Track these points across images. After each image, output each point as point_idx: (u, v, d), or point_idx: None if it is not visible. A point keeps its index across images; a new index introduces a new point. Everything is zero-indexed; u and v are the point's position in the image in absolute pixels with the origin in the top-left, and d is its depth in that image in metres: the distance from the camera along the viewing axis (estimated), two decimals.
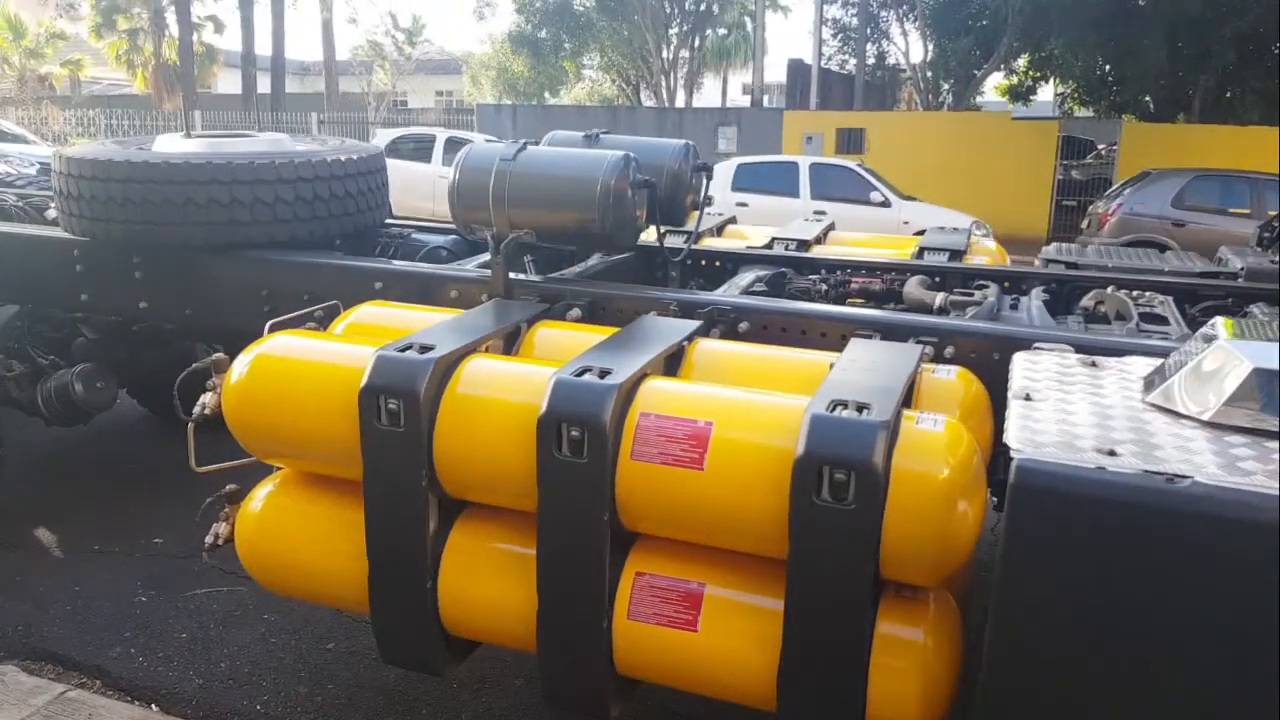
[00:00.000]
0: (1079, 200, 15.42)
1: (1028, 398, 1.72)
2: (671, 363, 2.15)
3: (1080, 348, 2.06)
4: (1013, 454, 1.46)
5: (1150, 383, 1.77)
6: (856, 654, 1.70)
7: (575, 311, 2.54)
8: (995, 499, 1.77)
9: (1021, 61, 21.26)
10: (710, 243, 3.69)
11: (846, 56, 23.78)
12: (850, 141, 16.83)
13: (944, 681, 1.76)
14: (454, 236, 3.50)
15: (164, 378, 3.31)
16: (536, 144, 2.93)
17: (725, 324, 2.46)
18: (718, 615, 1.86)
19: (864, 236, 4.20)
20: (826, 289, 3.04)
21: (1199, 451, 1.47)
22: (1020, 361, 1.97)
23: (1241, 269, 3.13)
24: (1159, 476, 1.38)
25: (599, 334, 2.25)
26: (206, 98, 26.91)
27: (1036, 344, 2.09)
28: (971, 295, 2.83)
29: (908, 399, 1.91)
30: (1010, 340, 2.19)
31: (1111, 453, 1.46)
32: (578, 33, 26.53)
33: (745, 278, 2.99)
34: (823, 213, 11.08)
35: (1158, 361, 1.87)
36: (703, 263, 3.36)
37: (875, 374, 1.88)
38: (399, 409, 1.93)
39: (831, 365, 1.98)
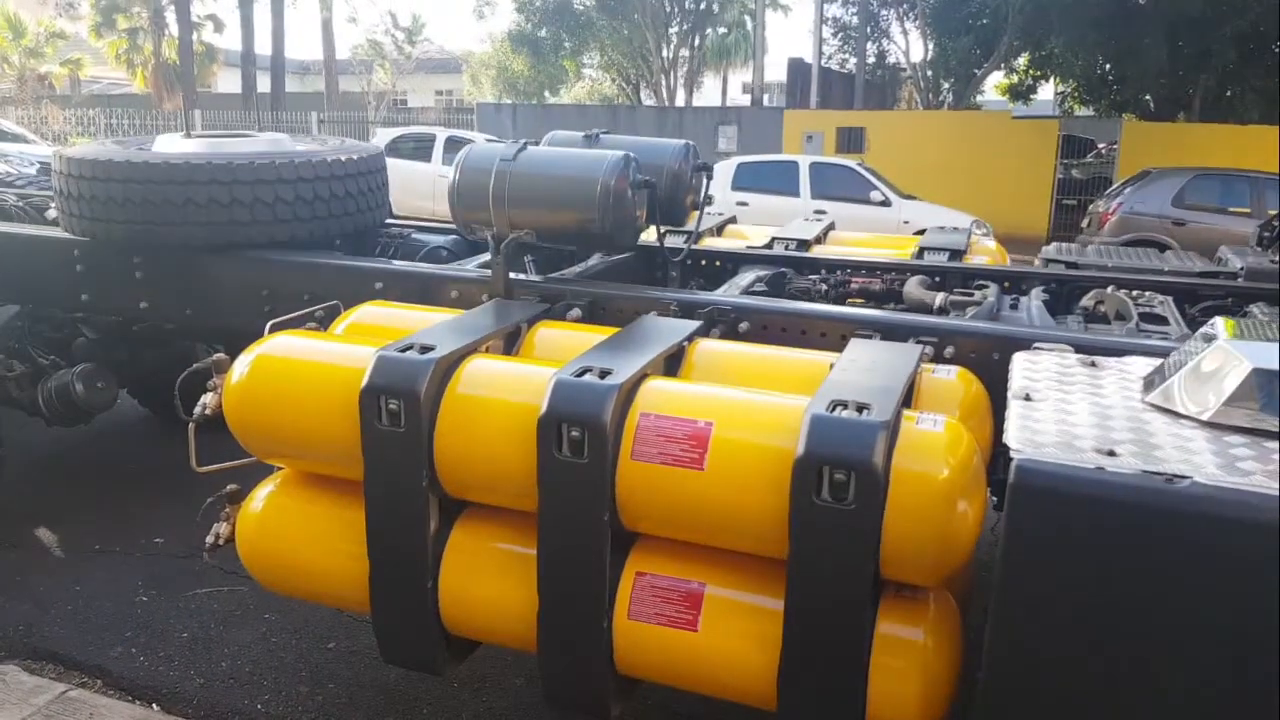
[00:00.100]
0: (1079, 199, 15.42)
1: (1027, 398, 1.72)
2: (672, 363, 2.16)
3: (1080, 348, 2.06)
4: (1012, 454, 1.46)
5: (1150, 383, 1.78)
6: (856, 654, 1.70)
7: (575, 311, 2.54)
8: (995, 498, 1.78)
9: (1022, 60, 21.25)
10: (710, 242, 3.69)
11: (847, 55, 23.77)
12: (850, 141, 16.83)
13: (944, 681, 1.76)
14: (454, 236, 3.50)
15: (164, 377, 3.31)
16: (536, 144, 2.93)
17: (725, 324, 2.46)
18: (718, 615, 1.86)
19: (864, 236, 4.20)
20: (826, 289, 3.04)
21: (1198, 451, 1.47)
22: (1020, 361, 1.97)
23: (1241, 269, 3.13)
24: (1158, 477, 1.38)
25: (599, 334, 2.25)
26: (206, 97, 26.91)
27: (1036, 344, 2.10)
28: (971, 295, 2.83)
29: (908, 399, 1.92)
30: (1010, 340, 2.19)
31: (1111, 453, 1.46)
32: (578, 32, 26.51)
33: (745, 278, 2.99)
34: (823, 212, 11.08)
35: (1157, 361, 1.87)
36: (703, 262, 3.36)
37: (875, 374, 1.89)
38: (399, 409, 1.93)
39: (831, 365, 1.99)
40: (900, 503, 1.63)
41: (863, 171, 12.23)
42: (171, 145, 3.28)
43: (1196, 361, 1.69)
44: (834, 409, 1.69)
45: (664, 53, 27.14)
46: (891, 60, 24.07)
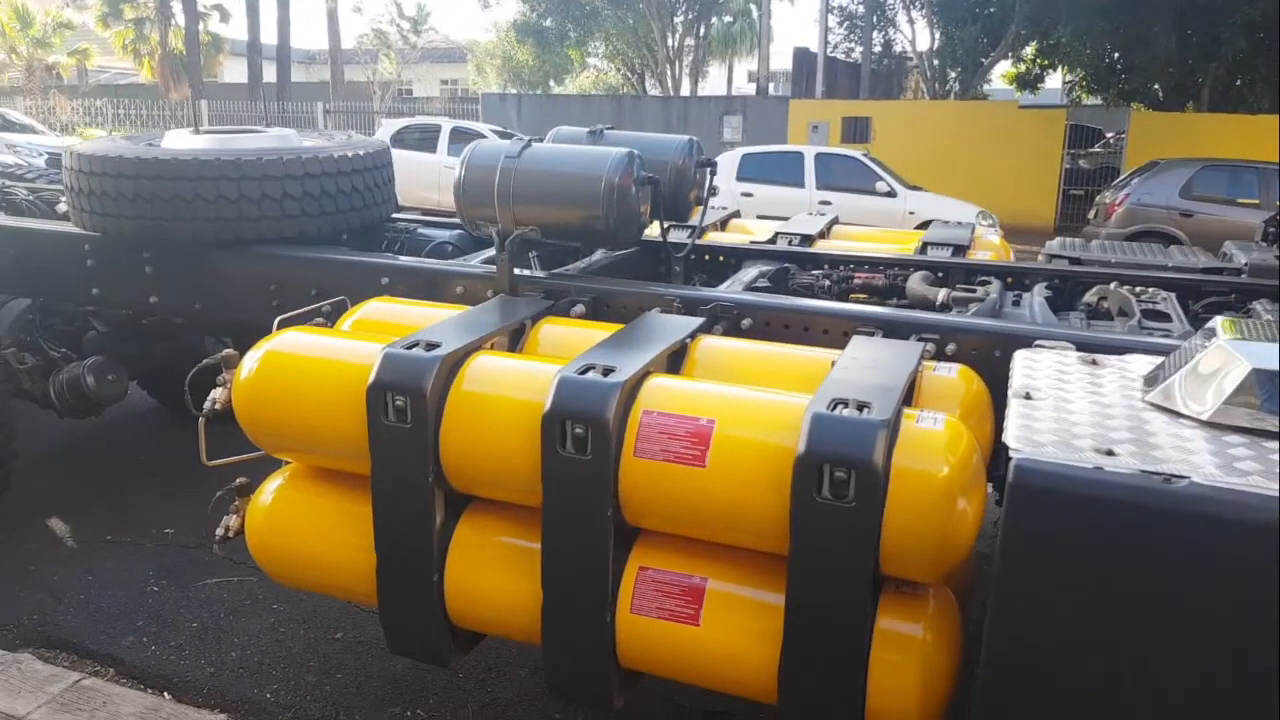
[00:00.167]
0: (1086, 190, 15.35)
1: (1028, 396, 1.73)
2: (674, 360, 2.18)
3: (1081, 345, 2.08)
4: (1011, 453, 1.48)
5: (1150, 381, 1.79)
6: (856, 648, 1.73)
7: (579, 308, 2.56)
8: (997, 495, 1.79)
9: (1029, 49, 21.10)
10: (714, 238, 3.71)
11: (853, 44, 23.63)
12: (856, 131, 16.76)
13: (943, 676, 1.78)
14: (460, 231, 3.52)
15: (174, 370, 3.36)
16: (541, 141, 2.94)
17: (728, 320, 2.48)
18: (720, 610, 1.88)
19: (868, 231, 4.20)
20: (830, 284, 3.05)
21: (1197, 451, 1.48)
22: (1021, 359, 1.98)
23: (1245, 265, 3.12)
24: (1156, 476, 1.39)
25: (603, 330, 2.27)
26: (212, 87, 26.92)
27: (1037, 341, 2.11)
28: (974, 291, 2.84)
29: (909, 397, 1.94)
30: (1011, 338, 2.21)
31: (1110, 452, 1.47)
32: (583, 21, 26.41)
33: (749, 273, 3.01)
34: (828, 203, 11.13)
35: (1158, 360, 1.88)
36: (706, 258, 3.38)
37: (876, 372, 1.90)
38: (406, 405, 1.95)
39: (833, 362, 2.00)
40: (900, 500, 1.65)
41: (868, 162, 12.19)
42: (181, 141, 3.30)
43: (1196, 361, 1.70)
44: (835, 407, 1.71)
45: (669, 42, 27.02)
46: (898, 49, 23.92)
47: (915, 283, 2.93)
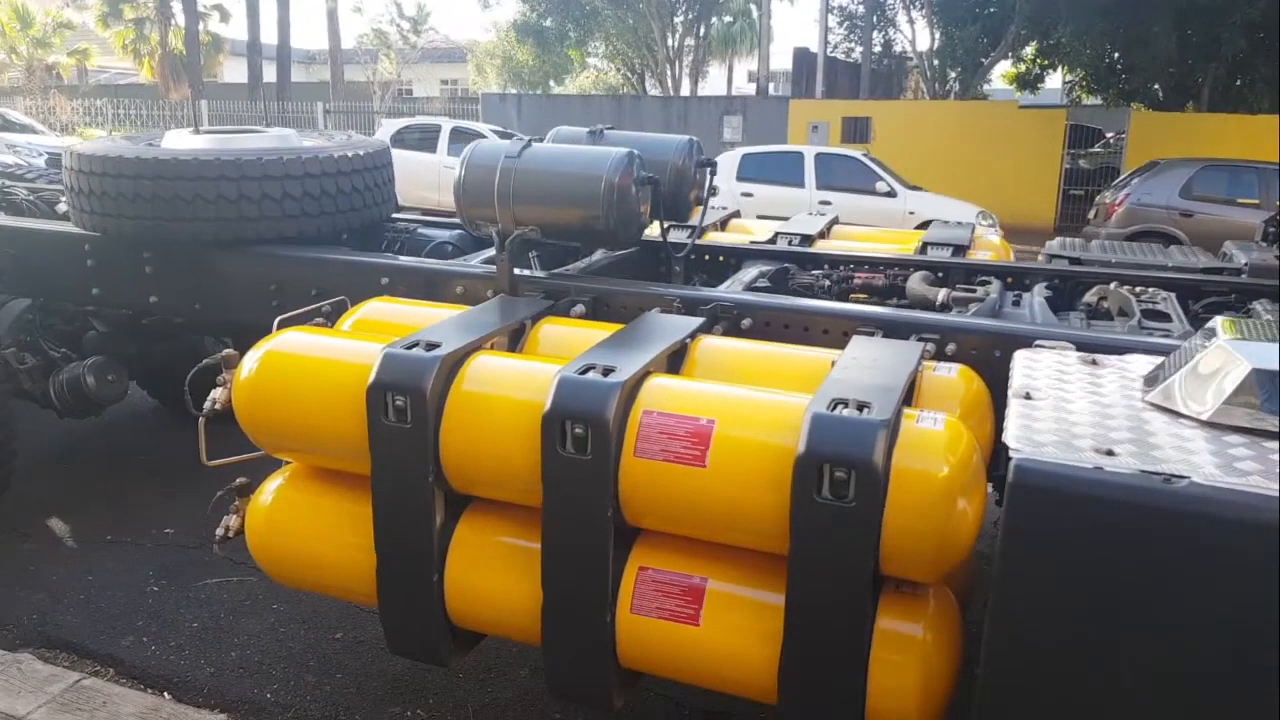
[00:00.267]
0: (1086, 190, 15.35)
1: (1028, 396, 1.73)
2: (674, 360, 2.18)
3: (1081, 345, 2.08)
4: (1011, 453, 1.48)
5: (1151, 381, 1.79)
6: (856, 649, 1.73)
7: (579, 308, 2.56)
8: (997, 495, 1.79)
9: (1029, 49, 21.10)
10: (714, 237, 3.71)
11: (853, 44, 23.63)
12: (856, 131, 16.77)
13: (943, 676, 1.78)
14: (459, 231, 3.52)
15: (174, 370, 3.36)
16: (541, 141, 2.94)
17: (728, 320, 2.48)
18: (720, 610, 1.88)
19: (868, 231, 4.21)
20: (830, 284, 3.05)
21: (1197, 451, 1.48)
22: (1021, 359, 1.98)
23: (1245, 265, 3.13)
24: (1156, 476, 1.39)
25: (603, 330, 2.27)
26: (213, 87, 26.94)
27: (1037, 341, 2.11)
28: (974, 291, 2.84)
29: (909, 397, 1.94)
30: (1011, 337, 2.21)
31: (1110, 452, 1.47)
32: (583, 21, 26.42)
33: (749, 273, 3.01)
34: (828, 203, 11.13)
35: (1158, 360, 1.88)
36: (706, 258, 3.38)
37: (876, 372, 1.90)
38: (406, 405, 1.96)
39: (833, 363, 2.00)
40: (900, 500, 1.65)
41: (868, 162, 12.20)
42: (181, 141, 3.30)
43: (1196, 361, 1.70)
44: (834, 407, 1.71)
45: (669, 42, 27.02)
46: (898, 49, 23.92)
47: (915, 283, 2.93)
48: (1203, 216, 10.82)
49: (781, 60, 29.74)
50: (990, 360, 2.21)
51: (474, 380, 2.02)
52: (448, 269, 2.92)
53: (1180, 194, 11.15)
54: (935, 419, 1.76)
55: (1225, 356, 1.66)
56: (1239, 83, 17.81)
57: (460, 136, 13.56)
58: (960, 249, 3.35)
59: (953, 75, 21.94)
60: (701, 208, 3.25)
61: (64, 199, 3.51)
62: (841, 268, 3.17)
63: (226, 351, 2.32)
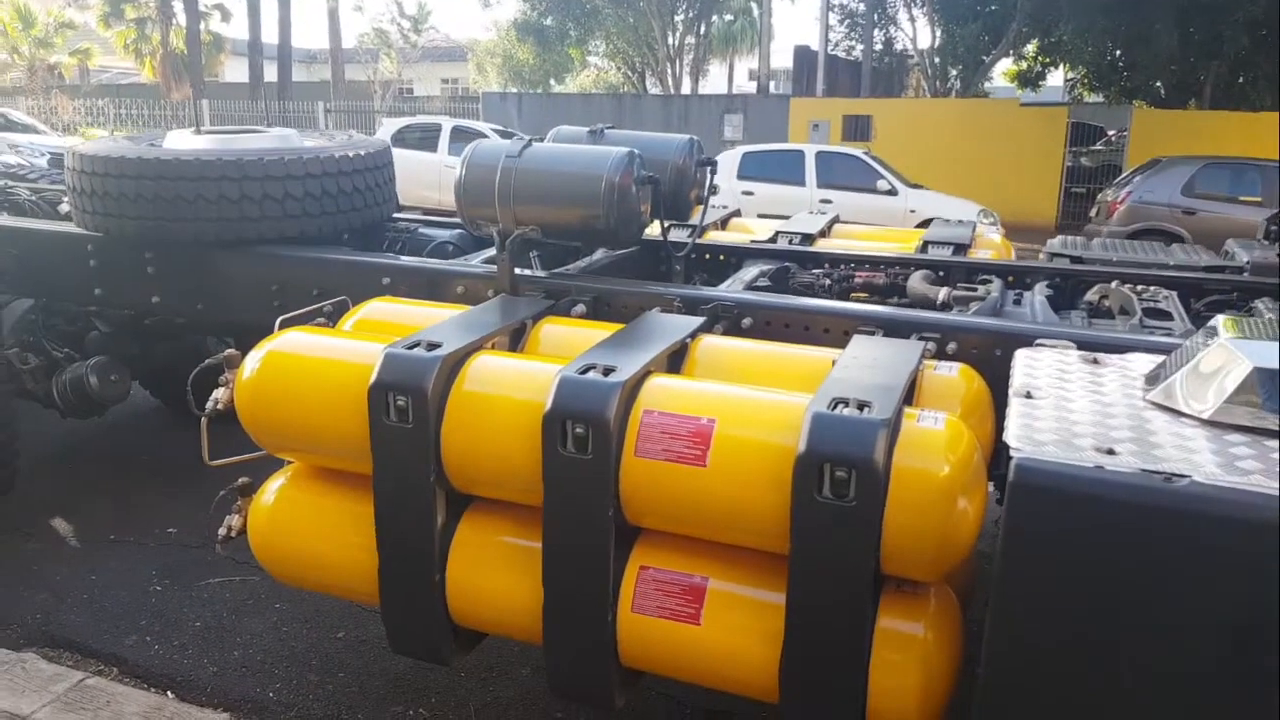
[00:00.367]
0: (1088, 187, 15.34)
1: (1028, 395, 1.73)
2: (675, 359, 2.18)
3: (1082, 344, 2.08)
4: (1012, 452, 1.48)
5: (1152, 380, 1.79)
6: (857, 648, 1.73)
7: (580, 307, 2.56)
8: (999, 494, 1.79)
9: (1030, 47, 21.07)
10: (715, 236, 3.71)
11: (854, 42, 23.61)
12: (857, 129, 16.76)
13: (944, 675, 1.78)
14: (460, 231, 3.52)
15: (177, 370, 3.36)
16: (541, 141, 2.95)
17: (729, 320, 2.48)
18: (721, 609, 1.89)
19: (869, 229, 4.20)
20: (830, 283, 3.05)
21: (1198, 450, 1.48)
22: (1021, 358, 1.98)
23: (1247, 263, 3.12)
24: (1156, 475, 1.40)
25: (603, 330, 2.28)
26: (214, 86, 26.97)
27: (1038, 340, 2.11)
28: (975, 290, 2.84)
29: (910, 396, 1.94)
30: (1012, 336, 2.21)
31: (1110, 451, 1.47)
32: (583, 20, 26.40)
33: (749, 272, 3.01)
34: (829, 201, 11.12)
35: (1159, 358, 1.88)
36: (707, 257, 3.38)
37: (876, 371, 1.91)
38: (407, 405, 1.96)
39: (834, 362, 2.01)
40: (900, 500, 1.65)
41: (869, 160, 12.19)
42: (182, 142, 3.31)
43: (1197, 360, 1.70)
44: (835, 407, 1.71)
45: (670, 40, 27.00)
46: (899, 47, 23.90)
47: (916, 282, 2.93)
48: (1205, 214, 10.81)
49: (782, 58, 29.72)
50: (991, 359, 2.21)
51: (475, 380, 2.02)
52: (449, 269, 2.92)
53: (1182, 192, 11.14)
54: (936, 418, 1.76)
55: (1226, 355, 1.66)
56: (1241, 80, 17.78)
57: (461, 136, 13.56)
58: (961, 248, 3.36)
59: (954, 73, 21.92)
60: (702, 207, 3.26)
61: (66, 199, 3.52)
62: (842, 267, 3.17)
63: (228, 352, 2.33)
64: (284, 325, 2.35)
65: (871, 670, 1.74)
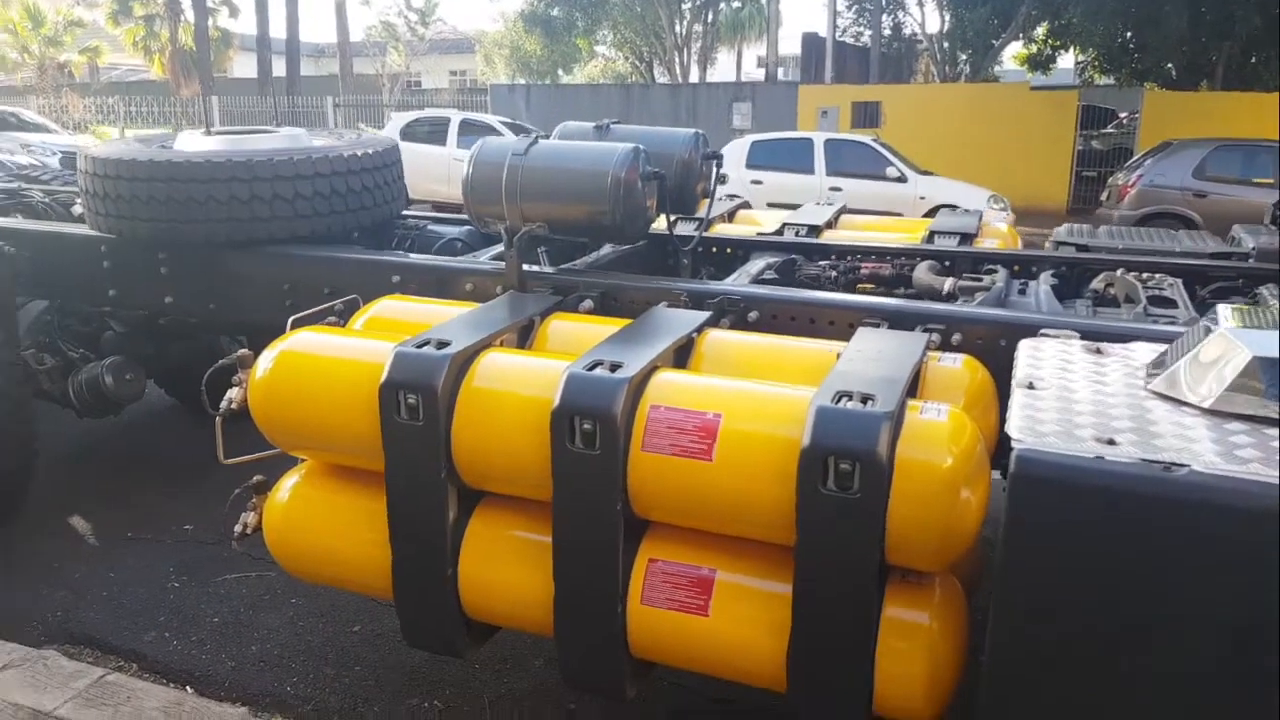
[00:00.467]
0: (1099, 171, 15.22)
1: (1031, 385, 1.75)
2: (681, 354, 2.20)
3: (1085, 334, 2.09)
4: (1014, 443, 1.50)
5: (1154, 369, 1.80)
6: (863, 638, 1.75)
7: (588, 303, 2.58)
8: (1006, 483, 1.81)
9: (1040, 30, 20.89)
10: (722, 229, 3.72)
11: (862, 28, 23.47)
12: (866, 115, 16.67)
13: (950, 663, 1.80)
14: (469, 228, 3.55)
15: (191, 370, 3.41)
16: (547, 138, 2.96)
17: (735, 313, 2.50)
18: (728, 600, 1.91)
19: (875, 220, 4.20)
20: (836, 275, 3.06)
21: (1198, 439, 1.49)
22: (1025, 349, 2.00)
23: (1253, 249, 3.11)
24: (1156, 465, 1.41)
25: (611, 325, 2.30)
26: (223, 82, 27.06)
27: (1042, 330, 2.12)
28: (980, 280, 2.85)
29: (914, 388, 1.95)
30: (1016, 327, 2.22)
31: (1111, 441, 1.49)
32: (590, 10, 26.34)
33: (756, 265, 3.02)
34: (838, 189, 11.09)
35: (1162, 347, 1.89)
36: (713, 250, 3.39)
37: (880, 364, 1.92)
38: (418, 403, 1.99)
39: (838, 354, 2.02)
40: (904, 491, 1.67)
41: (878, 147, 12.13)
42: (193, 143, 3.34)
43: (1198, 349, 1.71)
44: (839, 400, 1.73)
45: (677, 29, 26.90)
46: (907, 32, 23.76)
47: (922, 272, 2.94)
48: (1217, 197, 10.71)
49: (790, 45, 29.53)
50: (996, 350, 2.22)
51: (484, 377, 2.05)
52: (457, 266, 2.95)
53: (1194, 174, 11.04)
54: (939, 410, 1.78)
55: (1227, 344, 1.67)
56: (1254, 60, 17.58)
57: (469, 129, 13.58)
58: (967, 237, 3.35)
59: (963, 58, 21.76)
60: (708, 200, 3.27)
61: (79, 202, 3.56)
62: (848, 258, 3.18)
63: (242, 352, 2.36)
64: (296, 325, 2.38)
65: (878, 659, 1.76)
